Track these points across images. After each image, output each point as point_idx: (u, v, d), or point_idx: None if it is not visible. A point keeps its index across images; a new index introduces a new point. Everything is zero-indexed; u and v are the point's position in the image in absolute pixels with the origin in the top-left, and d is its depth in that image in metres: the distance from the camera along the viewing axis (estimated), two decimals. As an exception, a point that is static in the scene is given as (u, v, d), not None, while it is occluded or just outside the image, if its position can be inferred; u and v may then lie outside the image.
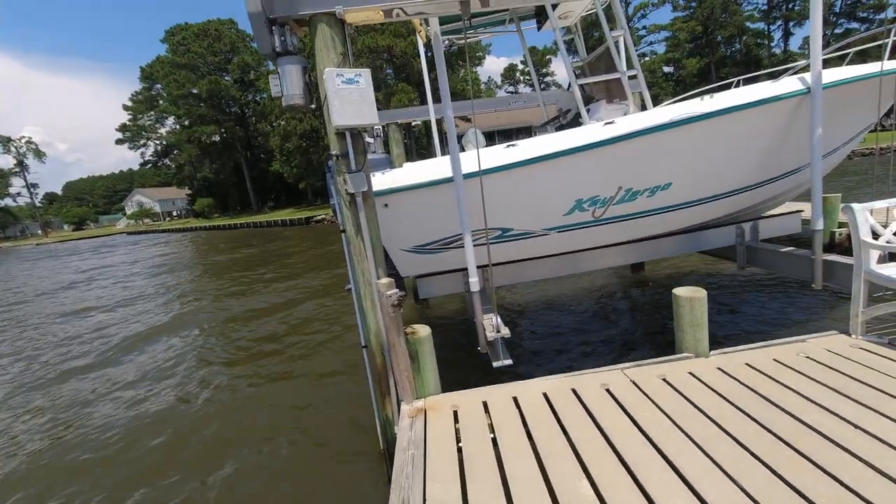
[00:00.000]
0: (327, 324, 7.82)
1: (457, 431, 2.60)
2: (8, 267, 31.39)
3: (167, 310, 10.80)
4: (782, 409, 2.43)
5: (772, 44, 45.86)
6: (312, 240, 23.68)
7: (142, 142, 59.95)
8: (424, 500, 2.07)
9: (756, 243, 5.16)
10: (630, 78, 4.74)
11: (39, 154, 76.04)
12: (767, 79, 4.42)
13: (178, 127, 55.78)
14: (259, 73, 52.47)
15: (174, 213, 73.84)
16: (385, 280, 2.93)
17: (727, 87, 4.57)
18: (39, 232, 77.45)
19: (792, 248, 4.74)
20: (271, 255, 19.63)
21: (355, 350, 6.14)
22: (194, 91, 50.69)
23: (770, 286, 6.71)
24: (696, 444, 2.22)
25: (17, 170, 74.32)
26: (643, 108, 4.96)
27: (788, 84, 4.06)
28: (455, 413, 2.79)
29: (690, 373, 2.93)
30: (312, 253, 18.55)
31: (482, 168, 3.56)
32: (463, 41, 6.10)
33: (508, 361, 3.59)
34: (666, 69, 46.62)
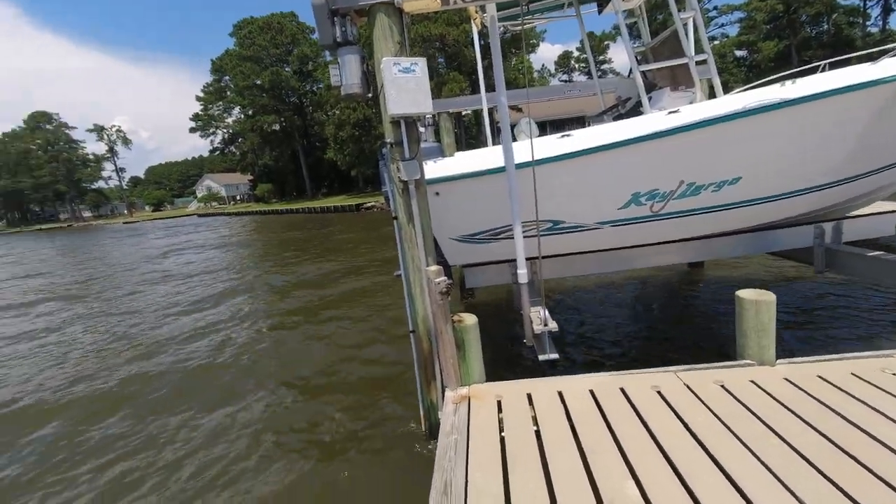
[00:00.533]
0: (372, 309, 8.08)
1: (500, 421, 2.62)
2: (108, 240, 35.64)
3: (229, 279, 11.79)
4: (855, 425, 2.23)
5: (867, 22, 40.80)
6: (362, 226, 24.41)
7: (211, 130, 64.22)
8: (466, 484, 2.12)
9: (838, 246, 4.69)
10: (698, 63, 4.42)
11: (127, 141, 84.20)
12: (860, 62, 3.96)
13: (242, 116, 59.33)
14: (317, 63, 54.44)
15: (237, 198, 78.77)
16: (434, 267, 2.97)
17: (811, 71, 4.15)
18: (125, 212, 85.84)
19: (881, 252, 4.27)
20: (324, 239, 20.47)
21: (396, 328, 6.42)
22: (258, 82, 53.58)
23: (850, 295, 6.09)
24: (753, 453, 2.09)
25: (108, 155, 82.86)
26: (711, 95, 4.63)
27: (891, 66, 3.62)
28: (499, 403, 2.81)
29: (752, 381, 2.74)
30: (361, 238, 19.11)
31: (535, 158, 3.49)
32: (518, 28, 5.96)
33: (555, 355, 3.54)
34: (738, 53, 42.91)
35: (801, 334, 5.10)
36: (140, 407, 5.14)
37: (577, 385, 2.91)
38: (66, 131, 78.91)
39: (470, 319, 3.05)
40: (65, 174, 76.19)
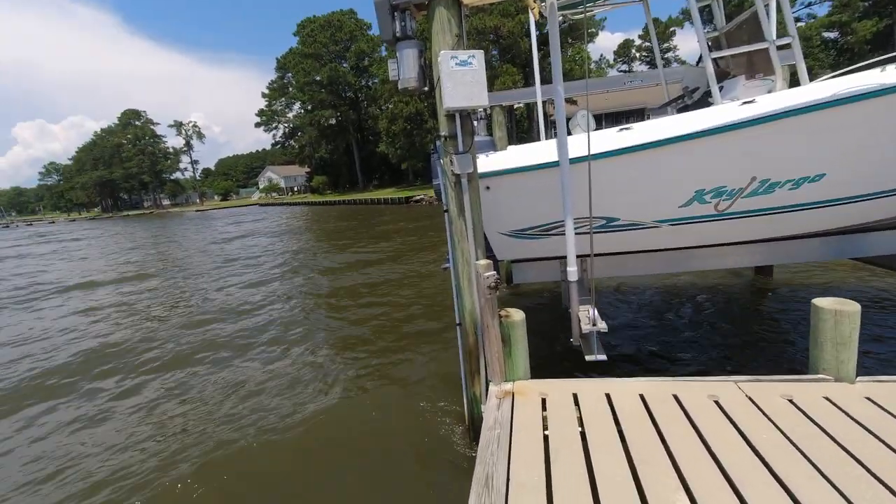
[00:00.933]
0: (421, 299, 8.23)
1: (544, 419, 2.59)
2: (187, 224, 40.16)
3: (284, 264, 12.53)
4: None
5: None
6: (411, 218, 24.82)
7: (274, 125, 67.82)
8: (508, 478, 2.12)
9: (939, 253, 4.16)
10: (780, 48, 4.05)
11: (201, 136, 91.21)
12: None
13: (302, 111, 62.22)
14: (372, 59, 55.89)
15: (295, 189, 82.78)
16: (483, 261, 2.98)
17: None
18: (198, 200, 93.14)
19: None
20: (372, 229, 21.07)
21: (442, 318, 6.56)
22: (317, 78, 55.96)
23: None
24: (824, 476, 1.92)
25: (185, 149, 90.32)
26: (793, 83, 4.23)
27: None
28: (543, 401, 2.77)
29: (827, 398, 2.51)
30: (409, 230, 19.45)
31: (591, 153, 3.38)
32: (579, 16, 5.76)
33: (603, 357, 3.43)
34: (827, 35, 38.57)
35: (888, 352, 4.58)
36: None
37: (626, 388, 2.81)
38: (152, 127, 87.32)
39: (517, 315, 3.03)
40: (149, 166, 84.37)
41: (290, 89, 62.94)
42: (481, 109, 3.34)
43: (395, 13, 2.98)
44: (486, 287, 2.89)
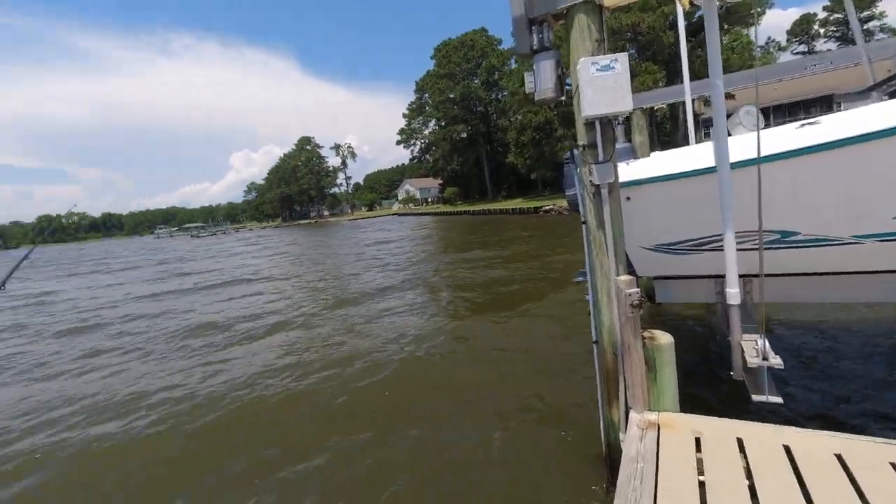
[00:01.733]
0: (549, 308, 7.98)
1: (699, 462, 2.26)
2: (343, 231, 47.22)
3: (416, 266, 13.51)
4: None
5: None
6: (540, 229, 24.40)
7: (412, 141, 74.07)
8: (654, 521, 1.90)
9: None
10: None
11: (354, 155, 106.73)
12: None
13: (437, 127, 66.89)
14: (502, 72, 57.29)
15: (429, 199, 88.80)
16: (626, 277, 2.76)
17: None
18: (349, 211, 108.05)
19: None
20: (501, 239, 21.26)
21: (576, 332, 6.29)
22: (451, 96, 59.78)
23: None
24: None
25: (341, 167, 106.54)
26: None
27: None
28: (697, 440, 2.43)
29: None
30: (538, 240, 19.10)
31: (761, 155, 2.88)
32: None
33: (777, 399, 2.86)
34: None
35: None
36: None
37: (813, 443, 2.29)
38: (318, 150, 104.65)
39: (664, 338, 2.72)
40: (315, 182, 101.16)
41: (427, 108, 68.18)
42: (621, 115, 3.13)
43: (533, 26, 2.99)
44: (629, 305, 2.67)
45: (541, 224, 28.17)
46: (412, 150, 75.69)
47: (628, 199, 3.64)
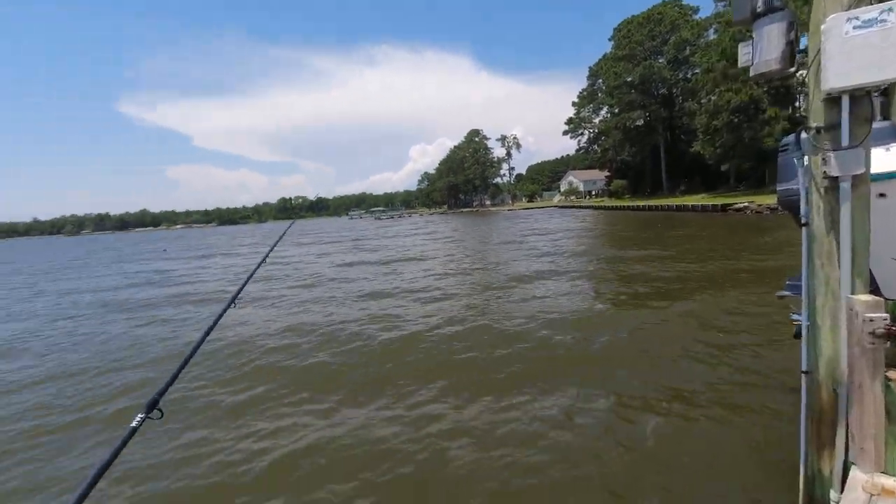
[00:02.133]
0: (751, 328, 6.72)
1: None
2: (505, 221, 48.68)
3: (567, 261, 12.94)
4: None
5: None
6: (728, 232, 20.62)
7: (580, 132, 70.54)
8: None
9: None
10: None
11: (518, 146, 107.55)
12: None
13: (609, 115, 62.05)
14: (695, 47, 49.61)
15: (593, 193, 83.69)
16: (867, 297, 2.13)
17: None
18: (509, 201, 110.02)
19: None
20: (680, 239, 18.70)
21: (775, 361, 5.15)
22: (628, 79, 54.62)
23: None
24: None
25: (505, 158, 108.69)
26: None
27: None
28: (972, 530, 1.76)
29: None
30: (724, 247, 16.16)
31: None
32: None
33: None
34: None
35: None
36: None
37: None
38: (485, 141, 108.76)
39: (924, 384, 2.03)
40: (479, 173, 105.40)
41: (599, 95, 63.75)
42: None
43: (758, -16, 2.48)
44: (868, 333, 2.07)
45: (727, 224, 23.80)
46: (579, 141, 72.25)
47: (883, 195, 2.78)
